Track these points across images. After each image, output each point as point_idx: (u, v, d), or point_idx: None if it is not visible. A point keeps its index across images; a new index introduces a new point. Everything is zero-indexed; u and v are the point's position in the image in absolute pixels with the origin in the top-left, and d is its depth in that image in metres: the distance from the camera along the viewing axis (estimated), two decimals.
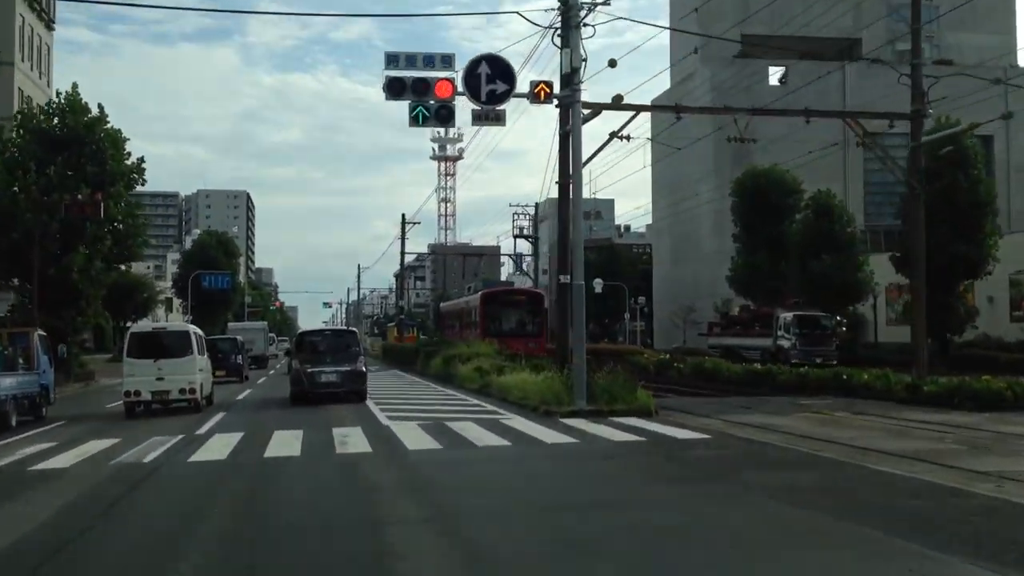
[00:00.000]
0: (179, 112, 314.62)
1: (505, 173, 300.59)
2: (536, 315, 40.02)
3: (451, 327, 48.88)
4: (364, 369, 23.94)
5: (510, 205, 61.98)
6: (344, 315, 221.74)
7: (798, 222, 47.83)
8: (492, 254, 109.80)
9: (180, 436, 15.65)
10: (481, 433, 14.61)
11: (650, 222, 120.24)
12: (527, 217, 58.07)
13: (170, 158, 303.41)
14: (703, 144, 62.91)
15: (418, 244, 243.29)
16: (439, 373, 32.09)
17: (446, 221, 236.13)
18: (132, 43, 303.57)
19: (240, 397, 26.47)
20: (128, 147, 36.57)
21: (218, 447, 13.85)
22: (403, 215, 52.19)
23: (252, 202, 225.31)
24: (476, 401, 21.75)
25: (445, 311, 56.97)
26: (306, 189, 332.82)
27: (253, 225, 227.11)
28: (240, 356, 36.82)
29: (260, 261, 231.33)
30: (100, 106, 36.24)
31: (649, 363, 34.66)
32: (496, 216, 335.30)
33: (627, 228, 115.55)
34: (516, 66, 18.10)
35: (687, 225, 71.31)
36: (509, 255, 64.88)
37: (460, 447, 13.14)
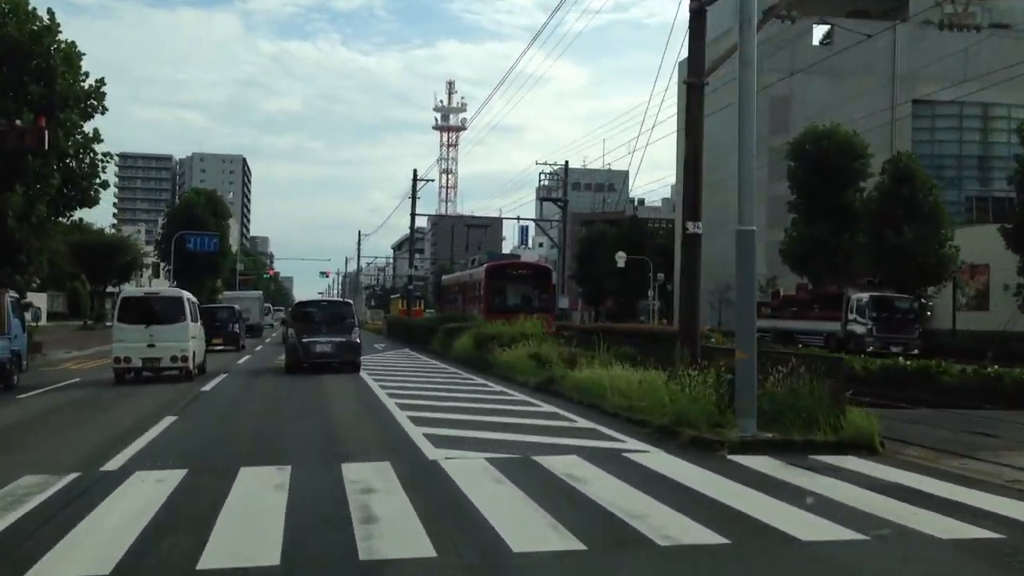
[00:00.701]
0: (177, 77, 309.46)
1: (505, 148, 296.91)
2: (543, 290, 37.27)
3: (452, 301, 45.59)
4: (358, 340, 24.19)
5: (536, 163, 53.28)
6: (340, 286, 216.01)
7: (871, 189, 41.22)
8: (502, 219, 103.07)
9: (71, 476, 8.69)
10: (626, 494, 7.67)
11: (667, 195, 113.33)
12: (557, 178, 50.54)
13: (167, 123, 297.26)
14: (734, 107, 55.95)
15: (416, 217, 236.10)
16: (468, 357, 25.28)
17: (447, 193, 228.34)
18: (132, 6, 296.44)
19: (210, 386, 19.46)
20: (116, 110, 29.62)
21: (115, 522, 6.80)
22: (415, 170, 45.23)
23: (248, 168, 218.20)
24: (548, 407, 14.73)
25: (446, 284, 53.14)
26: (304, 159, 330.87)
27: (249, 191, 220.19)
28: (237, 325, 37.07)
29: (256, 230, 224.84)
30: (50, 12, 29.10)
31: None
32: (497, 191, 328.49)
33: (641, 201, 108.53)
34: None
35: (716, 197, 64.13)
36: (535, 220, 57.91)
37: (621, 547, 6.18)
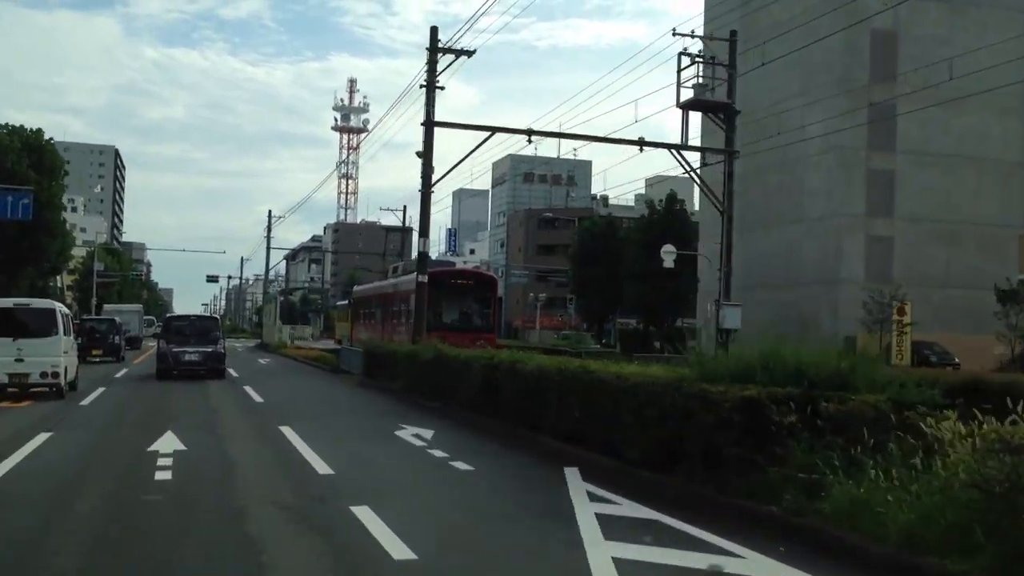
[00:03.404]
0: (54, 81, 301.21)
1: (398, 165, 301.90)
2: (486, 304, 31.97)
3: (368, 317, 39.21)
4: (223, 351, 27.73)
5: (674, 33, 29.70)
6: (225, 299, 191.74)
7: None
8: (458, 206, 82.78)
9: None
10: None
11: (642, 190, 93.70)
12: (713, 61, 28.49)
13: (44, 128, 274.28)
14: (819, 48, 38.27)
15: (304, 232, 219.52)
16: None
17: (347, 200, 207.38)
18: (6, 6, 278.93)
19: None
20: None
21: None
22: (431, 68, 23.04)
23: (122, 161, 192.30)
24: None
25: (361, 296, 43.02)
26: (187, 169, 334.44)
27: (123, 187, 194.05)
28: (118, 337, 38.09)
29: (133, 237, 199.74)
30: None
31: None
32: (395, 205, 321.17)
33: (604, 199, 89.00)
34: None
35: (774, 175, 46.26)
36: (680, 146, 37.41)
37: None
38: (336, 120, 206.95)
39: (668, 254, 39.47)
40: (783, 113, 41.29)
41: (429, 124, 21.37)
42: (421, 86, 20.78)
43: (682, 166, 25.44)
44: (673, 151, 25.38)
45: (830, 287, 42.39)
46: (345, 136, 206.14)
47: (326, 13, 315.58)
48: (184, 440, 12.24)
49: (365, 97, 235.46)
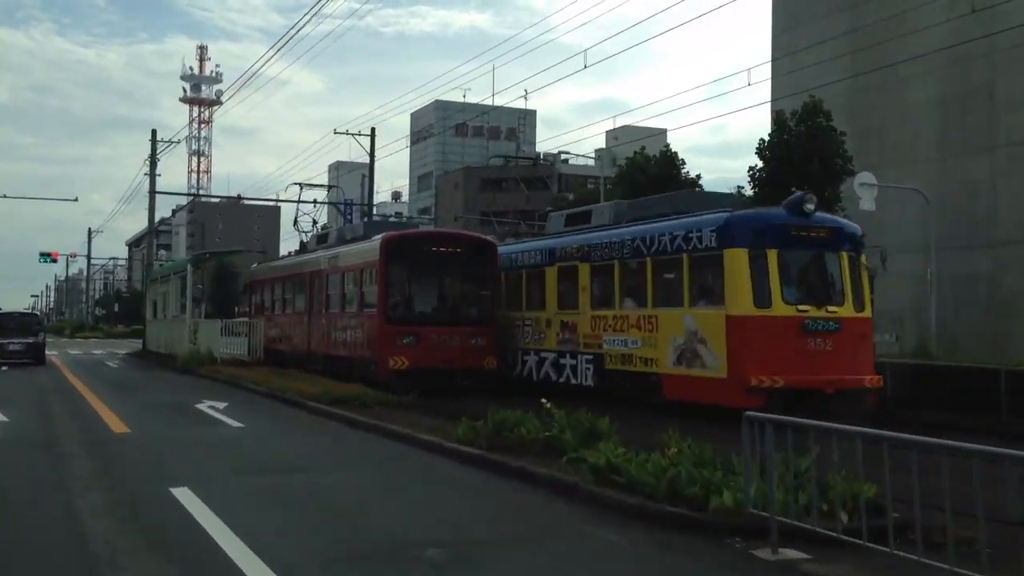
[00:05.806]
0: None
1: (239, 152, 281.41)
2: (481, 283, 21.31)
3: (282, 303, 27.86)
4: (43, 342, 32.58)
5: None
6: (56, 291, 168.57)
7: None
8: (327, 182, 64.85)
9: None
10: None
11: (601, 144, 76.77)
12: None
13: None
14: None
15: (144, 221, 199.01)
16: None
17: (199, 179, 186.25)
18: None
19: None
20: None
21: None
22: None
23: None
24: None
25: (270, 276, 29.93)
26: (11, 156, 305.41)
27: None
28: None
29: None
30: None
31: None
32: (244, 191, 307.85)
33: (557, 156, 70.92)
34: None
35: (929, 85, 31.71)
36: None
37: None
38: (185, 91, 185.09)
39: (866, 187, 23.11)
40: None
41: None
42: None
43: None
44: None
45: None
46: (195, 108, 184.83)
47: None
48: None
49: (218, 66, 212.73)
